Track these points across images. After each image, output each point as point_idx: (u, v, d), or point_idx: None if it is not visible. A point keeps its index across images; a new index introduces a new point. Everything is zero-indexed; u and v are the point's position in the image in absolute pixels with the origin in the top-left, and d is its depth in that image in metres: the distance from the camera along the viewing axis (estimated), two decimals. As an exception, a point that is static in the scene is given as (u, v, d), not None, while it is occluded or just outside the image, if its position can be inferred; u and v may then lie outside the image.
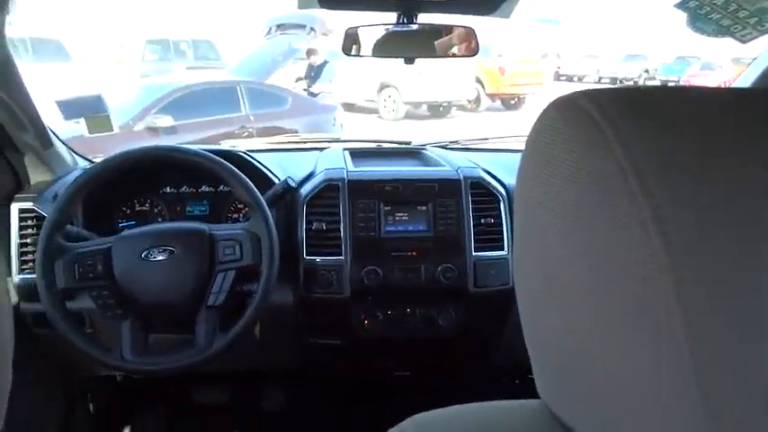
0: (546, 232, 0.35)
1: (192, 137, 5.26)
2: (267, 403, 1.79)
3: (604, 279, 0.31)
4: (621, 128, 0.31)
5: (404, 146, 1.74)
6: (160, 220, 1.42)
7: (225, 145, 1.71)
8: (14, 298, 1.29)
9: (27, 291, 1.25)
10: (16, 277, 1.27)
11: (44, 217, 1.20)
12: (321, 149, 1.66)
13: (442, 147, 1.75)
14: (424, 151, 1.62)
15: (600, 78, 17.86)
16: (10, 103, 1.21)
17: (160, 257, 1.11)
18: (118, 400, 1.66)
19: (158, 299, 1.10)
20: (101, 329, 1.28)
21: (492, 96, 11.24)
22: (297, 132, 5.81)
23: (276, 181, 1.35)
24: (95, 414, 1.66)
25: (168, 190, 1.43)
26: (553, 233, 0.35)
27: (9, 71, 1.20)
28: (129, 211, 1.42)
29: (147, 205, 1.42)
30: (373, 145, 1.72)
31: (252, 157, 1.39)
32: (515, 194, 0.40)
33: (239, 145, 1.66)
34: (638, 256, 0.29)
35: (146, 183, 1.41)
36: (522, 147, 0.39)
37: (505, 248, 1.34)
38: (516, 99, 11.61)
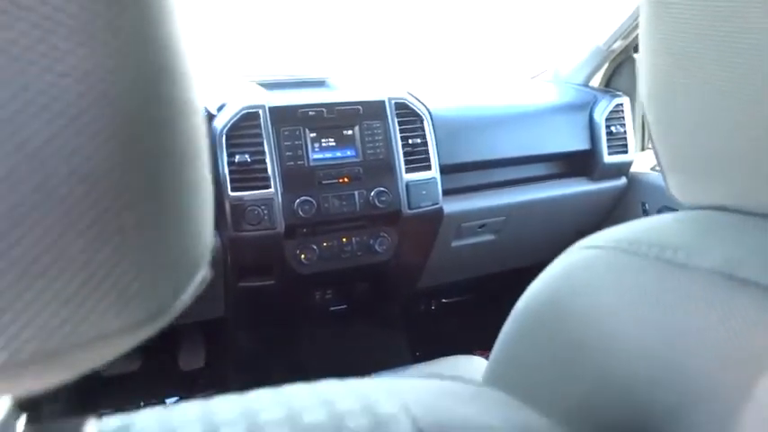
0: None
1: None
2: (185, 362, 1.66)
3: None
4: None
5: (307, 77, 1.64)
6: None
7: None
8: None
9: None
10: None
11: None
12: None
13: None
14: (329, 79, 1.55)
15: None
16: None
17: None
18: None
19: None
20: None
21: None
22: None
23: None
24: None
25: None
26: None
27: None
28: None
29: None
30: (280, 77, 1.60)
31: None
32: None
33: None
34: None
35: None
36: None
37: (433, 168, 1.33)
38: None
